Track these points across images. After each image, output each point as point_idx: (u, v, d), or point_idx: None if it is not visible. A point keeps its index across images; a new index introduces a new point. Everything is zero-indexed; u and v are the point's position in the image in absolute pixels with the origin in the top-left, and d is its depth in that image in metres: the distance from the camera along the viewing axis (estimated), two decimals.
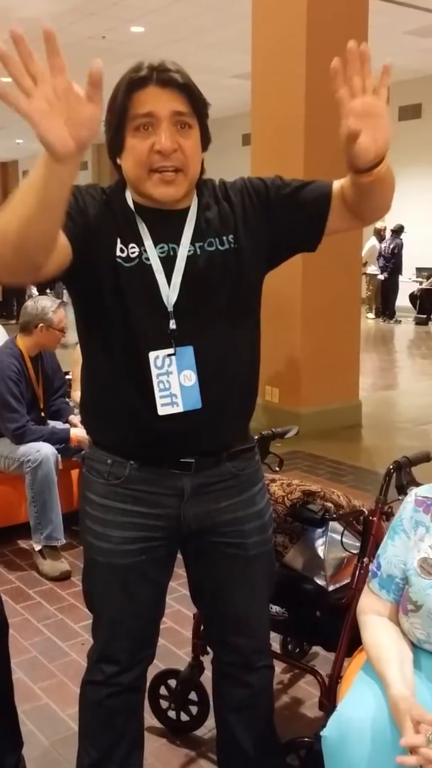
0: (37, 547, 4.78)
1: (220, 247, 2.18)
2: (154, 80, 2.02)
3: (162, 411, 2.10)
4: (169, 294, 2.11)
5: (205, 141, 2.17)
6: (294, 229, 2.26)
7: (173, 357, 2.11)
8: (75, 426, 5.12)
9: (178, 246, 2.14)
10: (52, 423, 5.21)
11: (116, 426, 2.22)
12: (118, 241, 2.10)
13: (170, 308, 2.11)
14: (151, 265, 2.11)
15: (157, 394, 2.10)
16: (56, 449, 4.85)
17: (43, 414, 5.17)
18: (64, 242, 1.96)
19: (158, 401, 2.10)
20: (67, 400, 5.45)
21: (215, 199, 2.25)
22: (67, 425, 5.16)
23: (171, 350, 2.10)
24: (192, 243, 2.15)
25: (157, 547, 2.27)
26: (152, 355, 2.10)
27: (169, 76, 2.03)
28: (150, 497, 2.22)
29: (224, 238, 2.19)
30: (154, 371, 2.10)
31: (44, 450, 4.76)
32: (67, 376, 5.59)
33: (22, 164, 34.53)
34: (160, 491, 2.22)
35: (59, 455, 4.86)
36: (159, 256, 2.12)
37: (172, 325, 2.11)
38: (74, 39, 14.45)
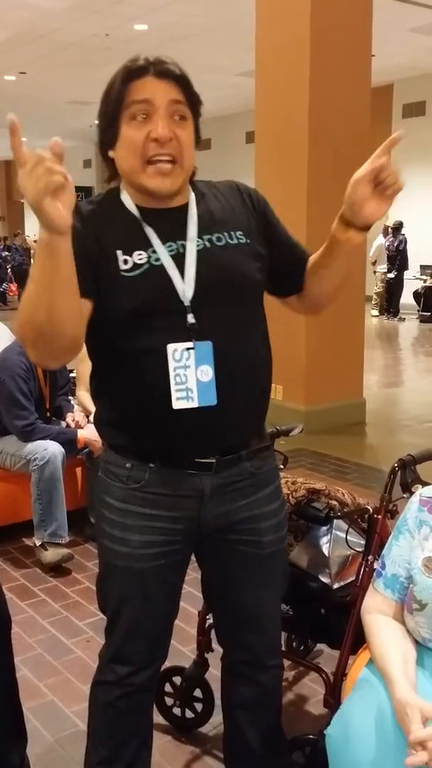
0: (38, 543, 4.79)
1: (230, 241, 2.19)
2: (152, 71, 2.05)
3: (177, 405, 2.08)
4: (185, 289, 2.10)
5: (197, 137, 2.18)
6: (276, 265, 2.32)
7: (192, 351, 2.09)
8: (80, 426, 5.12)
9: (186, 242, 2.14)
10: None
11: (135, 426, 2.19)
12: (119, 254, 2.10)
13: (187, 303, 2.10)
14: (161, 265, 2.10)
15: (173, 387, 2.08)
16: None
17: (48, 413, 5.18)
18: (86, 304, 2.02)
19: (173, 394, 2.08)
20: (69, 397, 5.45)
21: (211, 195, 2.26)
22: (72, 428, 5.16)
23: (190, 344, 2.09)
24: (200, 237, 2.16)
25: (176, 550, 2.26)
26: (170, 347, 2.08)
27: (167, 68, 2.06)
28: (170, 500, 2.21)
29: (233, 233, 2.20)
30: (171, 364, 2.08)
31: (51, 448, 4.76)
32: (71, 374, 5.59)
33: None
34: (180, 493, 2.21)
35: (65, 453, 4.87)
36: (169, 255, 2.11)
37: (191, 319, 2.09)
38: (77, 37, 14.47)
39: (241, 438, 2.26)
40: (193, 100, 2.11)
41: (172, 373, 2.08)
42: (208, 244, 2.16)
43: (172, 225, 2.15)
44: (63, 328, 1.91)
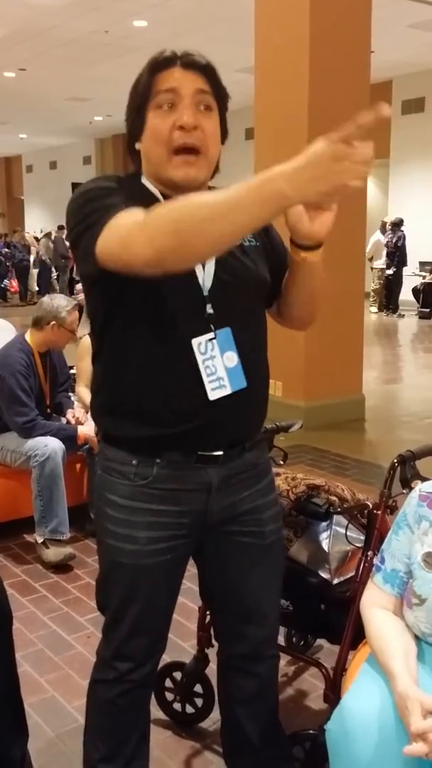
0: (40, 540, 4.80)
1: (245, 242, 2.22)
2: (179, 62, 2.07)
3: (213, 395, 2.10)
4: (205, 278, 2.12)
5: (225, 133, 2.19)
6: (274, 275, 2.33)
7: (214, 341, 2.11)
8: (81, 422, 5.13)
9: None
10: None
11: (138, 422, 2.16)
12: None
13: (206, 293, 2.11)
14: None
15: (206, 380, 2.09)
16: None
17: (48, 410, 5.18)
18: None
19: (207, 387, 2.09)
20: (70, 394, 5.45)
21: None
22: (72, 424, 5.16)
23: (211, 334, 2.10)
24: None
25: (182, 544, 2.26)
26: (195, 341, 2.08)
27: (193, 59, 2.08)
28: (177, 494, 2.21)
29: (247, 237, 2.22)
30: (199, 357, 2.09)
31: (52, 444, 4.77)
32: (72, 371, 5.59)
33: (25, 159, 34.52)
34: (188, 487, 2.21)
35: (65, 449, 4.87)
36: None
37: (209, 309, 2.10)
38: (77, 34, 14.46)
39: (248, 429, 2.29)
40: (219, 92, 2.13)
41: (201, 366, 2.10)
42: None
43: None
44: (209, 252, 1.93)
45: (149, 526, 2.21)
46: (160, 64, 2.08)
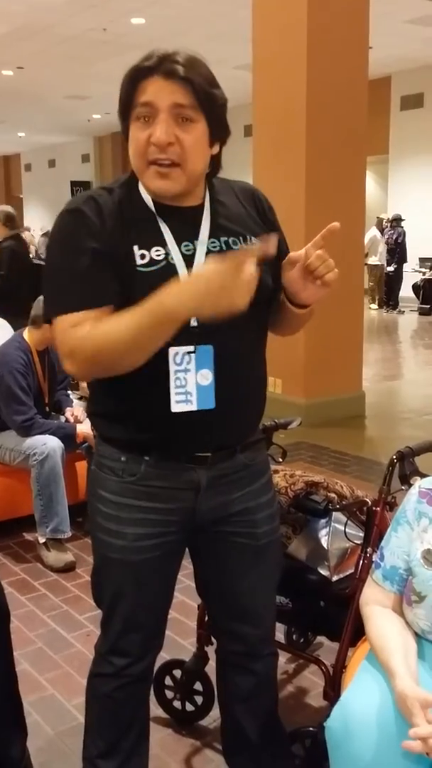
0: (42, 540, 4.79)
1: (243, 245, 2.18)
2: (159, 71, 2.01)
3: (175, 408, 2.07)
4: None
5: (219, 135, 2.14)
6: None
7: (193, 355, 2.08)
8: (80, 421, 5.12)
9: (197, 244, 2.12)
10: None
11: (130, 421, 2.18)
12: (136, 249, 2.08)
13: None
14: (176, 264, 2.08)
15: (173, 391, 2.07)
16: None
17: (47, 408, 5.18)
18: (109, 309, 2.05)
19: (173, 398, 2.07)
20: (68, 392, 5.44)
21: (227, 197, 2.25)
22: (71, 422, 5.15)
23: (191, 348, 2.08)
24: (217, 238, 2.15)
25: (171, 541, 2.27)
26: (172, 350, 2.06)
27: (173, 68, 2.00)
28: (165, 492, 2.21)
29: (248, 238, 2.20)
30: (171, 367, 2.07)
31: (51, 443, 4.77)
32: None
33: (24, 157, 34.50)
34: (176, 486, 2.21)
35: (64, 447, 4.86)
36: (184, 254, 2.10)
37: (194, 322, 2.05)
38: (75, 31, 14.44)
39: (237, 435, 2.27)
40: (204, 100, 2.04)
41: (172, 377, 2.08)
42: (224, 247, 2.15)
43: (185, 225, 2.14)
44: (128, 368, 2.02)
45: (137, 523, 2.22)
46: (141, 73, 2.03)
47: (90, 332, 1.99)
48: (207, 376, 2.10)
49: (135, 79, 2.04)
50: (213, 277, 1.83)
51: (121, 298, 2.04)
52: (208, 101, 2.05)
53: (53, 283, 2.13)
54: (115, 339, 1.95)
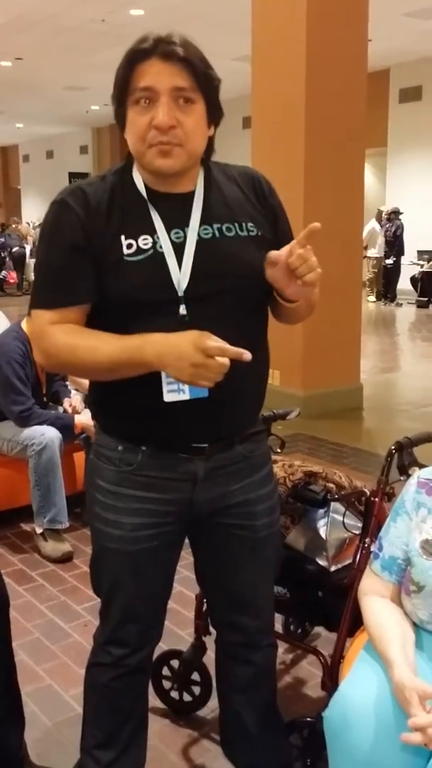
0: (39, 530, 4.79)
1: (240, 233, 2.17)
2: (157, 53, 2.00)
3: (168, 398, 2.05)
4: (180, 279, 2.07)
5: (215, 116, 2.14)
6: None
7: None
8: (78, 412, 5.12)
9: (188, 231, 2.11)
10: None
11: (126, 412, 2.17)
12: (122, 239, 2.07)
13: (180, 293, 2.07)
14: (164, 252, 2.07)
15: (164, 380, 2.04)
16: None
17: (45, 398, 5.17)
18: (84, 308, 2.13)
19: (164, 387, 2.05)
20: (66, 383, 5.44)
21: (224, 178, 2.24)
22: (69, 413, 5.14)
23: None
24: (209, 224, 2.13)
25: (168, 531, 2.26)
26: None
27: (172, 50, 2.00)
28: (162, 483, 2.20)
29: (243, 224, 2.18)
30: None
31: (49, 434, 4.76)
32: None
33: (22, 148, 34.44)
34: (173, 476, 2.20)
35: (62, 438, 4.86)
36: (174, 242, 2.09)
37: (183, 310, 2.05)
38: (74, 22, 14.41)
39: (235, 426, 2.25)
40: (202, 81, 2.05)
41: None
42: (217, 233, 2.14)
43: (177, 211, 2.12)
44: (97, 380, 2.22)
45: (134, 513, 2.21)
46: (137, 55, 2.02)
47: (67, 343, 2.07)
48: None
49: (132, 62, 2.03)
50: (187, 350, 1.90)
51: (105, 291, 2.07)
52: (206, 81, 2.06)
53: (36, 275, 2.23)
54: (90, 360, 2.05)
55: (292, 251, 2.00)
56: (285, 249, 2.03)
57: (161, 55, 2.00)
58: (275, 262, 2.06)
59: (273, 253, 2.06)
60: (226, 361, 1.89)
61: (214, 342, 1.89)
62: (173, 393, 2.06)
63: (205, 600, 2.95)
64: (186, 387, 2.04)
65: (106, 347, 2.01)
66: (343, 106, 7.62)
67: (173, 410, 2.08)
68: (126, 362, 1.99)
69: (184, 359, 1.90)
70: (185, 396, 2.05)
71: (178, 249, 2.09)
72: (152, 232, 2.09)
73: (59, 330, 2.07)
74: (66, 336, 2.06)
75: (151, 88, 2.01)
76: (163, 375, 2.03)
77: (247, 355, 1.91)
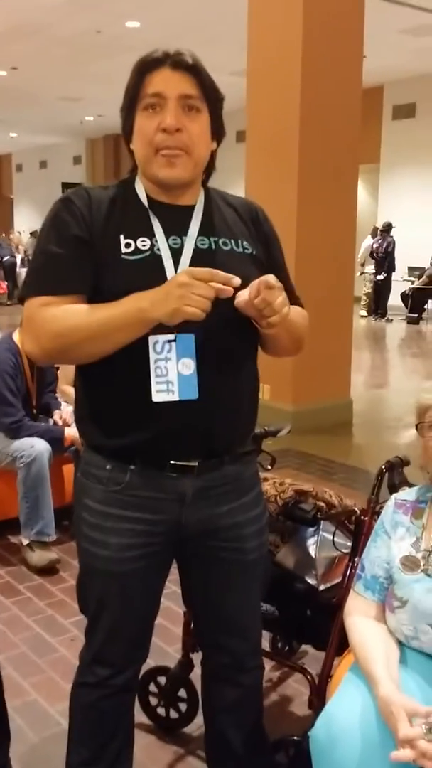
0: (26, 542, 4.78)
1: (236, 248, 2.20)
2: (167, 63, 2.08)
3: (156, 398, 2.04)
4: None
5: (218, 131, 2.20)
6: None
7: (173, 343, 2.05)
8: (68, 424, 5.11)
9: (186, 239, 2.14)
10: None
11: (113, 418, 2.16)
12: (122, 238, 2.10)
13: None
14: (161, 256, 2.10)
15: (153, 380, 2.04)
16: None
17: (34, 410, 5.15)
18: (81, 299, 2.10)
19: (153, 387, 2.04)
20: (57, 395, 5.42)
21: (222, 202, 2.29)
22: (59, 426, 5.13)
23: (171, 336, 2.05)
24: (206, 236, 2.16)
25: (156, 552, 2.24)
26: (152, 339, 2.04)
27: (181, 59, 2.08)
28: (151, 502, 2.19)
29: (239, 241, 2.22)
30: (152, 356, 2.05)
31: (38, 446, 4.75)
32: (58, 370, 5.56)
33: (15, 157, 34.45)
34: (161, 496, 2.19)
35: (52, 450, 4.85)
36: (171, 247, 2.11)
37: None
38: (69, 33, 14.44)
39: (225, 440, 2.23)
40: (209, 92, 2.12)
41: (152, 365, 2.05)
42: (213, 246, 2.17)
43: (177, 220, 2.16)
44: (90, 357, 2.09)
45: (121, 533, 2.20)
46: (149, 65, 2.09)
47: (56, 314, 2.05)
48: (189, 366, 2.07)
49: (142, 71, 2.10)
50: (175, 278, 1.95)
51: (101, 287, 2.07)
52: (212, 93, 2.14)
53: (32, 265, 2.21)
54: (84, 325, 2.02)
55: (259, 290, 2.00)
56: (254, 285, 2.01)
57: (171, 64, 2.08)
58: (240, 306, 2.07)
59: (240, 295, 2.04)
60: (215, 286, 1.92)
61: (207, 269, 1.94)
62: (162, 393, 2.05)
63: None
64: (175, 387, 2.04)
65: (99, 308, 2.03)
66: (337, 121, 7.65)
67: (162, 423, 2.08)
68: (121, 316, 1.99)
69: (172, 284, 1.94)
70: (174, 397, 2.05)
71: (176, 254, 2.12)
72: (151, 235, 2.12)
73: (49, 309, 2.07)
74: (56, 309, 2.05)
75: (160, 94, 2.07)
76: (153, 372, 2.04)
77: (236, 280, 1.94)
